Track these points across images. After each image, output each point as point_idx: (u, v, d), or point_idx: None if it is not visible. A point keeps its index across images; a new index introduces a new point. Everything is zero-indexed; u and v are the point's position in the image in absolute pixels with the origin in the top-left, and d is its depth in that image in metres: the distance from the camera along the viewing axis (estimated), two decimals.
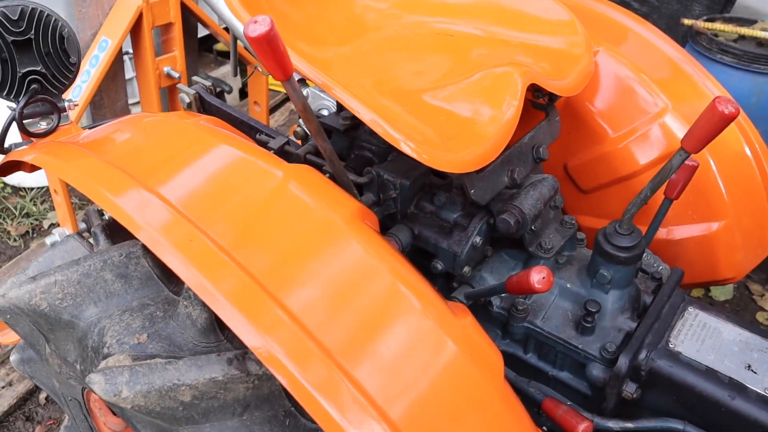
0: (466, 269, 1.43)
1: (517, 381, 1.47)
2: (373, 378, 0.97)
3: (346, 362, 0.97)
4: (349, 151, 1.63)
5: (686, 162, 1.53)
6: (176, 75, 2.47)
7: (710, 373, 1.33)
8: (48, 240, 1.59)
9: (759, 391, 1.31)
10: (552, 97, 1.57)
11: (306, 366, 0.94)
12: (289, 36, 1.36)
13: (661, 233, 1.83)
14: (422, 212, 1.47)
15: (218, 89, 2.96)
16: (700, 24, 2.98)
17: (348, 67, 1.41)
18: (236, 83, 3.58)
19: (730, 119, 1.14)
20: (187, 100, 1.74)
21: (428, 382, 1.02)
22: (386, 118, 1.20)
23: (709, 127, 1.16)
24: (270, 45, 0.96)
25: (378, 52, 1.50)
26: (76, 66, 1.42)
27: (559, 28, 1.65)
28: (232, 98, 3.52)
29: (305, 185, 1.15)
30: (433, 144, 1.20)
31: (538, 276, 1.13)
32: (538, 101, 1.58)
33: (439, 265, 1.44)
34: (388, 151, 1.52)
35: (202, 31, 2.90)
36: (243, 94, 3.83)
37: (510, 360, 1.54)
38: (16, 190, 3.37)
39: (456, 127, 1.27)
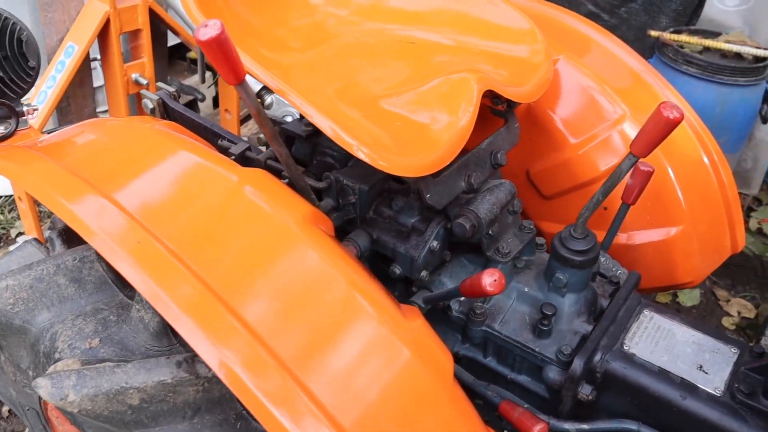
0: (424, 273, 1.45)
1: (475, 384, 1.49)
2: (327, 387, 0.98)
3: (299, 372, 0.98)
4: (311, 157, 1.64)
5: (641, 168, 1.57)
6: (144, 81, 2.47)
7: (663, 374, 1.36)
8: (12, 248, 1.58)
9: (709, 390, 1.33)
10: (510, 104, 1.60)
11: (259, 375, 0.94)
12: (249, 41, 1.37)
13: (622, 238, 1.86)
14: (381, 217, 1.48)
15: (191, 97, 2.96)
16: (667, 36, 3.04)
17: (309, 73, 1.42)
18: (210, 92, 3.58)
19: (674, 124, 1.17)
20: (151, 106, 1.74)
21: (380, 389, 1.04)
22: (341, 123, 1.21)
23: (656, 132, 1.19)
24: (221, 49, 0.97)
25: (340, 58, 1.51)
26: (36, 70, 1.42)
27: (519, 36, 1.68)
28: (205, 106, 3.51)
29: (259, 189, 1.16)
30: (387, 149, 1.22)
31: (489, 279, 1.15)
32: (497, 108, 1.61)
33: (398, 270, 1.45)
34: (348, 157, 1.53)
35: (176, 39, 2.90)
36: (217, 102, 3.83)
37: (470, 364, 1.56)
38: None
39: (411, 132, 1.29)
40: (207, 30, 0.95)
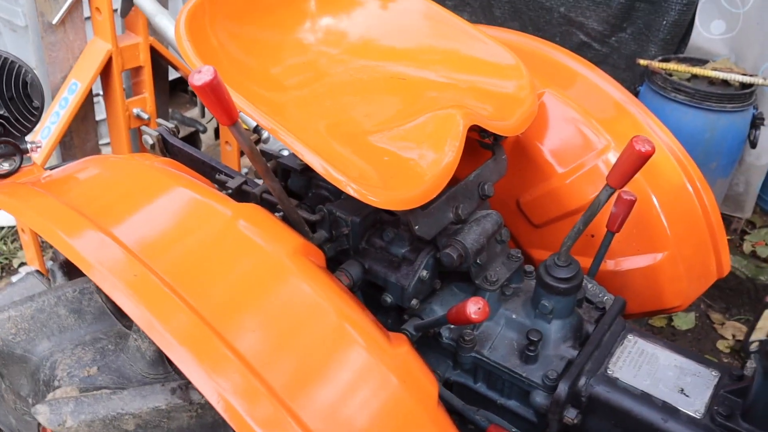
0: (414, 302, 1.49)
1: (465, 410, 1.52)
2: (317, 415, 1.03)
3: (290, 401, 1.02)
4: (306, 190, 1.70)
5: (624, 196, 1.62)
6: (146, 116, 2.54)
7: (645, 398, 1.40)
8: (14, 278, 1.63)
9: (690, 413, 1.37)
10: (497, 137, 1.66)
11: (252, 404, 0.98)
12: (243, 81, 1.44)
13: (609, 265, 1.90)
14: (373, 248, 1.53)
15: (193, 129, 3.04)
16: (655, 64, 3.12)
17: (301, 111, 1.49)
18: (212, 123, 3.66)
19: (646, 157, 1.23)
20: (151, 142, 1.81)
21: (368, 416, 1.08)
22: (331, 160, 1.27)
23: (629, 164, 1.25)
24: (214, 93, 1.04)
25: (332, 95, 1.58)
26: (39, 110, 1.48)
27: (505, 71, 1.75)
28: (207, 138, 3.59)
29: (252, 224, 1.22)
30: (375, 184, 1.28)
31: (474, 307, 1.20)
32: (484, 141, 1.67)
33: (389, 298, 1.50)
34: (341, 190, 1.59)
35: (177, 72, 2.99)
36: (219, 133, 3.91)
37: (461, 390, 1.60)
38: None
39: (399, 167, 1.35)
40: (201, 75, 1.01)
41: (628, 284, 1.89)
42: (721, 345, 3.04)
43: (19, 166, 1.48)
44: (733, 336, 3.07)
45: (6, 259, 3.20)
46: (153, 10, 2.31)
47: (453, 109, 1.45)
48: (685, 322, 3.17)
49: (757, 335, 1.11)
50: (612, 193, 1.34)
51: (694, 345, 3.05)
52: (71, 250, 1.13)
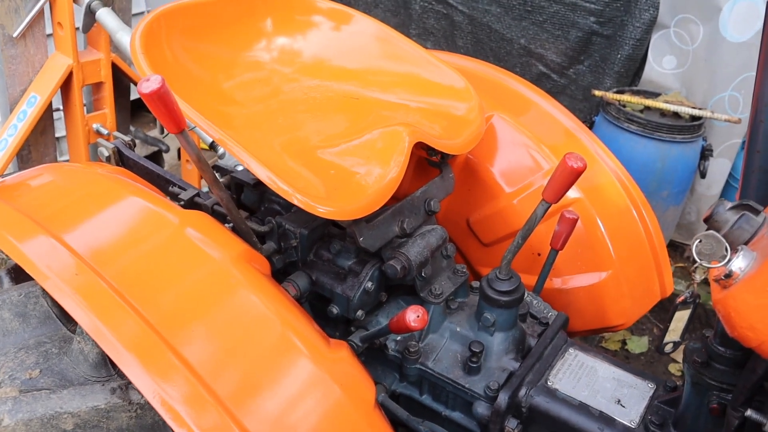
0: (360, 313, 1.53)
1: (409, 421, 1.54)
2: (261, 424, 1.05)
3: (236, 408, 1.04)
4: (259, 204, 1.73)
5: (567, 215, 1.68)
6: (105, 132, 2.56)
7: (583, 408, 1.44)
8: None
9: (626, 423, 1.42)
10: (444, 156, 1.71)
11: (198, 411, 1.00)
12: (197, 95, 1.47)
13: (556, 283, 1.96)
14: (320, 260, 1.57)
15: (156, 148, 3.05)
16: (610, 95, 3.23)
17: (253, 125, 1.53)
18: (175, 143, 3.68)
19: (578, 172, 1.29)
20: (106, 154, 1.83)
21: (310, 423, 1.11)
22: (279, 172, 1.31)
23: (563, 180, 1.31)
24: (161, 101, 1.07)
25: (285, 112, 1.62)
26: None
27: (455, 94, 1.81)
28: (170, 157, 3.60)
29: (199, 230, 1.24)
30: (320, 195, 1.32)
31: (413, 315, 1.24)
32: (432, 159, 1.72)
33: (335, 309, 1.53)
34: (291, 204, 1.62)
35: None
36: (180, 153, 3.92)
37: (407, 402, 1.62)
38: None
39: (344, 180, 1.39)
40: (148, 84, 1.05)
41: (573, 302, 1.95)
42: (672, 368, 3.11)
43: None
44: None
45: None
46: (115, 27, 2.34)
47: (400, 126, 1.50)
48: (638, 345, 3.24)
49: (671, 336, 1.17)
50: (548, 208, 1.40)
51: (647, 368, 3.12)
52: (20, 255, 1.14)
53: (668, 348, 1.20)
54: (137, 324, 1.07)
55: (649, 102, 3.18)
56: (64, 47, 2.38)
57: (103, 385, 1.08)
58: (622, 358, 3.20)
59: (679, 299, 1.17)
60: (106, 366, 1.15)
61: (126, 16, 2.58)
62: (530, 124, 2.07)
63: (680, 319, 1.16)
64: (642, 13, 3.37)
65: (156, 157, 3.48)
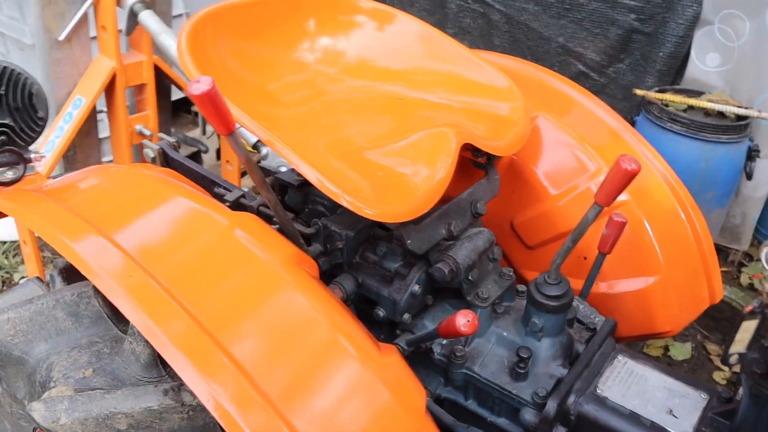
0: (406, 316, 1.51)
1: (455, 426, 1.53)
2: (309, 424, 1.04)
3: (284, 408, 1.04)
4: (303, 206, 1.73)
5: (615, 219, 1.65)
6: (148, 133, 2.59)
7: (633, 417, 1.41)
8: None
9: None
10: (490, 157, 1.69)
11: (246, 410, 1.00)
12: (242, 95, 1.47)
13: (602, 287, 1.92)
14: (366, 262, 1.56)
15: (195, 149, 3.08)
16: (652, 94, 3.16)
17: (299, 126, 1.53)
18: (213, 144, 3.72)
19: (632, 175, 1.26)
20: (152, 155, 1.85)
21: (359, 425, 1.10)
22: (327, 174, 1.30)
23: (616, 182, 1.28)
24: (211, 102, 1.07)
25: (329, 112, 1.62)
26: (44, 120, 1.52)
27: (499, 94, 1.79)
28: (208, 158, 3.64)
29: (248, 232, 1.24)
30: (369, 197, 1.31)
31: (463, 320, 1.22)
32: (478, 160, 1.70)
33: (381, 312, 1.52)
34: (337, 205, 1.62)
35: (181, 93, 3.04)
36: (220, 154, 3.96)
37: (452, 406, 1.61)
38: None
39: (393, 182, 1.38)
40: (199, 85, 1.05)
41: (619, 307, 1.91)
42: (717, 376, 3.04)
43: (23, 175, 1.51)
44: (730, 367, 3.07)
45: (7, 273, 3.22)
46: (157, 29, 2.37)
47: (446, 127, 1.49)
48: (681, 352, 3.17)
49: (736, 347, 1.13)
50: (600, 211, 1.37)
51: (690, 375, 3.04)
52: (73, 254, 1.15)
53: (733, 359, 1.16)
54: (188, 324, 1.07)
55: (693, 101, 3.10)
56: (108, 50, 2.42)
57: (155, 386, 1.08)
58: (664, 365, 3.13)
59: (747, 309, 1.13)
60: (157, 367, 1.16)
61: (167, 18, 2.61)
62: (574, 123, 2.03)
63: (747, 329, 1.12)
64: (685, 10, 3.29)
65: (195, 158, 3.52)
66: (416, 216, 1.32)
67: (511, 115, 1.72)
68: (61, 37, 2.34)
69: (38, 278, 1.52)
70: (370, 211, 1.27)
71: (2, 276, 3.20)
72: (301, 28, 1.74)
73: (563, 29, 3.61)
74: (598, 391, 1.47)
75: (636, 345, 3.01)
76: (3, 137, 1.47)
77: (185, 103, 3.84)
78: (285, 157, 1.29)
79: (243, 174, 3.16)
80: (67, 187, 1.43)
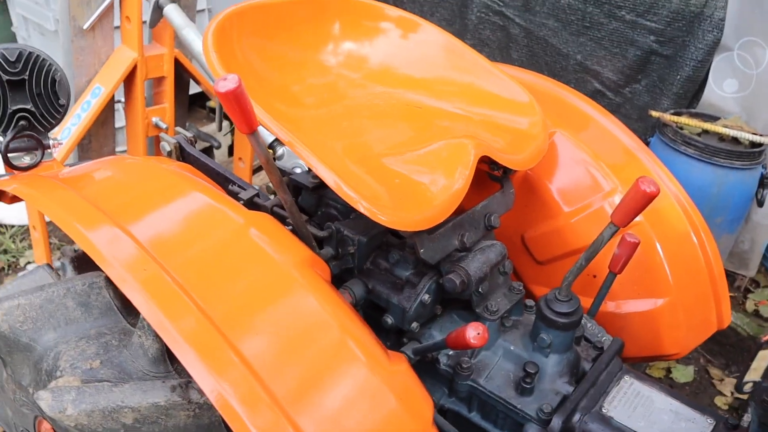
0: (415, 325, 1.51)
1: None
2: (316, 426, 1.04)
3: (291, 409, 1.03)
4: (316, 208, 1.73)
5: (628, 239, 1.64)
6: (164, 126, 2.60)
7: None
8: (20, 275, 1.65)
9: None
10: (506, 171, 1.69)
11: (253, 410, 1.00)
12: (264, 95, 1.47)
13: (610, 306, 1.91)
14: (377, 268, 1.55)
15: (207, 144, 3.09)
16: (667, 117, 3.16)
17: (318, 129, 1.53)
18: (226, 140, 3.72)
19: (651, 197, 1.25)
20: (168, 149, 1.85)
21: (366, 431, 1.09)
22: (345, 177, 1.30)
23: (634, 204, 1.28)
24: (236, 100, 1.07)
25: (349, 117, 1.62)
26: (65, 108, 1.52)
27: (518, 108, 1.79)
28: (220, 154, 3.64)
29: (263, 232, 1.24)
30: (385, 204, 1.30)
31: (473, 332, 1.21)
32: (494, 173, 1.70)
33: (390, 320, 1.51)
34: (350, 210, 1.62)
35: (196, 88, 3.05)
36: (232, 151, 3.97)
37: (455, 418, 1.60)
38: None
39: (409, 190, 1.38)
40: (225, 83, 1.05)
41: (627, 327, 1.90)
42: (719, 401, 3.02)
43: (40, 161, 1.52)
44: (732, 393, 3.05)
45: (13, 257, 3.23)
46: (181, 23, 2.37)
47: (465, 138, 1.48)
48: (683, 375, 3.15)
49: (752, 376, 1.12)
50: (615, 231, 1.36)
51: (691, 399, 3.03)
52: (87, 243, 1.15)
53: (747, 387, 1.15)
54: (199, 320, 1.07)
55: (708, 125, 3.09)
56: (130, 41, 2.43)
57: (163, 381, 1.08)
58: (670, 388, 3.12)
59: (764, 338, 1.12)
60: (165, 362, 1.16)
61: (191, 12, 2.62)
62: (590, 141, 2.03)
63: (763, 358, 1.11)
64: (705, 35, 3.28)
65: (207, 153, 3.52)
66: (432, 225, 1.32)
67: (529, 129, 1.71)
68: (86, 26, 2.35)
69: (48, 265, 1.52)
70: (385, 217, 1.27)
71: (8, 260, 3.21)
72: (325, 31, 1.74)
73: (582, 47, 3.60)
74: (603, 410, 1.46)
75: (639, 366, 3.00)
76: (23, 122, 1.47)
77: (200, 98, 3.85)
78: (304, 158, 1.29)
79: (254, 172, 3.16)
80: (84, 176, 1.43)
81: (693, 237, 1.93)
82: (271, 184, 1.82)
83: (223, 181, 1.75)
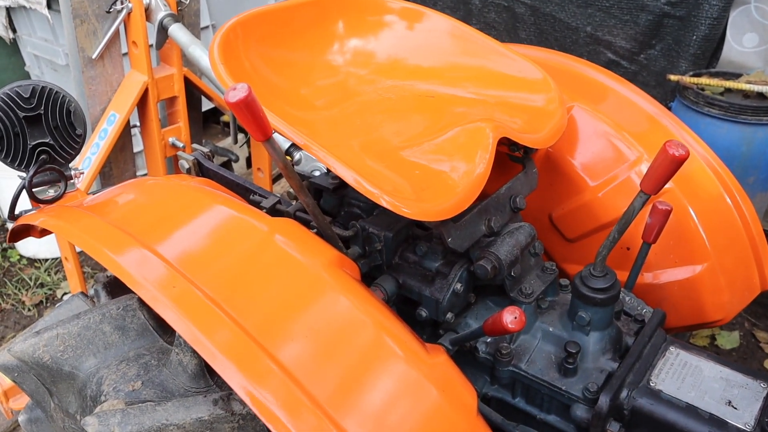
0: (450, 315, 1.49)
1: (504, 425, 1.50)
2: (360, 426, 1.03)
3: (334, 411, 1.02)
4: (339, 209, 1.72)
5: (659, 207, 1.60)
6: (181, 145, 2.61)
7: (691, 410, 1.36)
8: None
9: (740, 426, 1.33)
10: (527, 151, 1.66)
11: (296, 415, 0.99)
12: (276, 101, 1.47)
13: (647, 278, 1.88)
14: (406, 262, 1.54)
15: (225, 158, 3.11)
16: (687, 79, 3.09)
17: (333, 129, 1.52)
18: (243, 153, 3.75)
19: (680, 161, 1.22)
20: (187, 166, 1.86)
21: (410, 426, 1.08)
22: (364, 174, 1.29)
23: (663, 169, 1.24)
24: (248, 109, 1.07)
25: (362, 113, 1.61)
26: (82, 137, 1.54)
27: (533, 86, 1.76)
28: (239, 167, 3.66)
29: (288, 238, 1.24)
30: (408, 197, 1.29)
31: (510, 316, 1.19)
32: (515, 154, 1.67)
33: (424, 312, 1.50)
34: (373, 207, 1.61)
35: (208, 104, 3.07)
36: (250, 163, 3.99)
37: (500, 405, 1.58)
38: (32, 261, 3.49)
39: (431, 180, 1.36)
40: (235, 93, 1.04)
41: (667, 297, 1.86)
42: None
43: (64, 192, 1.53)
44: None
45: (50, 289, 3.29)
46: (187, 41, 2.39)
47: (482, 122, 1.46)
48: (728, 341, 3.09)
49: None
50: (647, 200, 1.33)
51: (740, 365, 2.97)
52: (117, 267, 1.16)
53: None
54: (234, 331, 1.07)
55: (731, 84, 3.02)
56: (139, 65, 2.45)
57: (204, 396, 1.08)
58: (718, 355, 3.06)
59: None
60: (205, 377, 1.16)
61: (195, 30, 2.63)
62: (610, 112, 1.99)
63: None
64: None
65: (226, 167, 3.55)
66: (456, 213, 1.30)
67: (546, 106, 1.68)
68: (95, 55, 2.38)
69: (83, 293, 1.54)
70: (409, 210, 1.25)
71: (45, 293, 3.27)
72: (330, 32, 1.74)
73: (591, 18, 3.55)
74: (651, 384, 1.43)
75: (682, 336, 2.95)
76: (44, 156, 1.49)
77: (214, 114, 3.88)
78: (322, 159, 1.29)
79: (274, 181, 3.17)
80: (108, 202, 1.45)
81: (727, 199, 1.88)
82: (291, 191, 1.82)
83: (243, 192, 1.76)
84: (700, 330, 3.08)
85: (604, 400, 1.38)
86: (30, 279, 3.34)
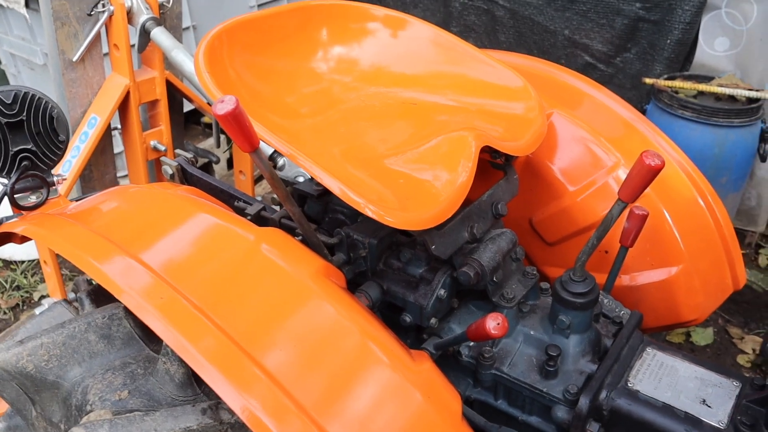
0: (434, 321, 1.52)
1: (487, 427, 1.53)
2: (345, 431, 1.05)
3: (320, 417, 1.04)
4: (323, 215, 1.73)
5: (636, 211, 1.64)
6: (162, 148, 2.60)
7: (667, 409, 1.40)
8: (37, 310, 1.67)
9: (714, 423, 1.37)
10: (508, 158, 1.69)
11: (282, 421, 1.01)
12: (261, 109, 1.48)
13: (625, 280, 1.92)
14: (390, 269, 1.56)
15: (206, 160, 3.10)
16: (661, 82, 3.15)
17: (317, 137, 1.53)
18: (224, 154, 3.74)
19: (656, 170, 1.26)
20: (170, 172, 1.86)
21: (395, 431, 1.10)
22: (349, 183, 1.31)
23: (640, 179, 1.28)
24: (236, 121, 1.08)
25: (346, 121, 1.62)
26: (65, 144, 1.53)
27: (513, 94, 1.79)
28: (220, 168, 3.66)
29: (275, 247, 1.25)
30: (392, 205, 1.31)
31: (493, 322, 1.22)
32: (496, 161, 1.70)
33: (408, 318, 1.52)
34: (358, 214, 1.62)
35: (189, 105, 3.06)
36: (231, 164, 3.98)
37: (482, 407, 1.61)
38: (7, 263, 3.45)
39: (414, 188, 1.38)
40: (224, 105, 1.06)
41: (643, 299, 1.90)
42: (741, 359, 3.03)
43: (47, 198, 1.53)
44: (753, 350, 3.06)
45: (27, 292, 3.25)
46: (169, 45, 2.38)
47: (465, 131, 1.49)
48: (703, 337, 3.16)
49: None
50: (624, 208, 1.37)
51: (713, 360, 3.04)
52: (102, 276, 1.16)
53: None
54: (219, 339, 1.07)
55: (703, 86, 3.08)
56: (121, 68, 2.44)
57: (192, 405, 1.09)
58: (687, 351, 3.13)
59: None
60: (192, 386, 1.17)
61: (177, 33, 2.62)
62: (588, 117, 2.03)
63: None
64: None
65: (206, 169, 3.54)
66: (440, 222, 1.32)
67: (527, 114, 1.72)
68: (75, 58, 2.36)
69: (65, 300, 1.53)
70: (393, 219, 1.27)
71: (22, 296, 3.23)
72: (314, 39, 1.75)
73: (568, 21, 3.60)
74: (629, 384, 1.47)
75: (658, 334, 3.01)
76: (26, 163, 1.48)
77: (194, 115, 3.86)
78: (307, 169, 1.30)
79: (255, 183, 3.17)
80: (91, 210, 1.44)
81: (700, 201, 1.93)
82: (275, 195, 1.83)
83: (228, 198, 1.76)
84: (677, 328, 3.15)
85: (584, 402, 1.41)
86: (6, 281, 3.30)
